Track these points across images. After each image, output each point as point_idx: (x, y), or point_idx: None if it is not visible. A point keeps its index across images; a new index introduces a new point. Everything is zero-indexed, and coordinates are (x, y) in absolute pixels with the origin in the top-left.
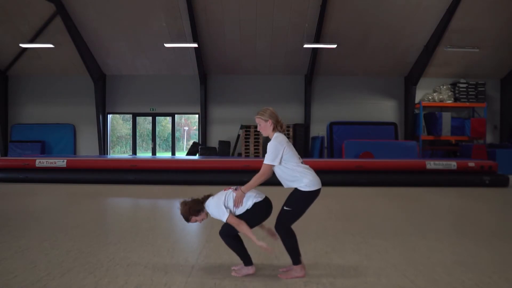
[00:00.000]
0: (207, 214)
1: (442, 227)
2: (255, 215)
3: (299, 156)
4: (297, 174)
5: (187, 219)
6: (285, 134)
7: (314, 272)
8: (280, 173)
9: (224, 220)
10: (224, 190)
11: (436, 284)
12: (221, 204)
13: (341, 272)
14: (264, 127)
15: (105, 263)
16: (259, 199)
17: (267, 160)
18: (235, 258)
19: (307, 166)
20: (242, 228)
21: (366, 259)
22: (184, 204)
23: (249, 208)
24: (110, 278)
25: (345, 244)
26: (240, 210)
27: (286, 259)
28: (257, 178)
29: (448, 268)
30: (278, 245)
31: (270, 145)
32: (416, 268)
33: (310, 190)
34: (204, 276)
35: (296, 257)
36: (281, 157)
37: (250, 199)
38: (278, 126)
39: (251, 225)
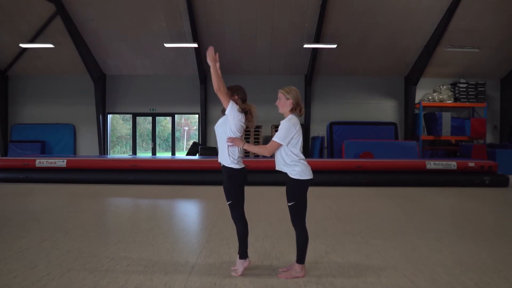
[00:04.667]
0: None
1: (442, 227)
2: (231, 183)
3: (301, 144)
4: (292, 161)
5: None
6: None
7: (314, 272)
8: (278, 154)
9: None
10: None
11: (436, 284)
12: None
13: (341, 272)
14: (283, 104)
15: (105, 263)
16: (237, 166)
17: (277, 138)
18: (235, 258)
19: (303, 157)
20: (216, 77)
21: (366, 259)
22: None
23: (225, 165)
24: (110, 278)
25: (345, 244)
26: (222, 150)
27: (286, 259)
28: (260, 148)
29: (448, 268)
30: (278, 245)
31: (283, 125)
32: (416, 268)
33: (301, 179)
34: (204, 276)
35: (303, 256)
36: (290, 139)
37: (234, 157)
38: (297, 109)
39: (234, 192)
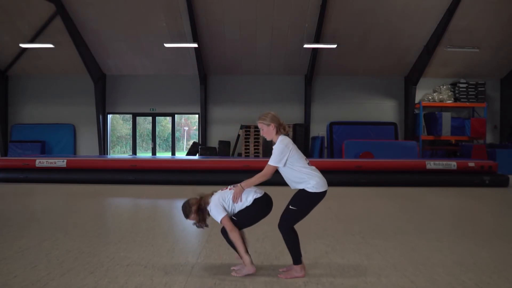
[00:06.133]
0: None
1: (442, 227)
2: (256, 211)
3: (305, 157)
4: (304, 176)
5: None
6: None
7: (314, 272)
8: (287, 175)
9: (218, 220)
10: (222, 189)
11: (436, 284)
12: (219, 204)
13: (341, 272)
14: (267, 131)
15: (105, 263)
16: (259, 194)
17: (272, 162)
18: (235, 258)
19: (314, 168)
20: (233, 236)
21: (366, 259)
22: (196, 215)
23: (249, 204)
24: (110, 278)
25: (345, 244)
26: (240, 206)
27: (286, 259)
28: (258, 177)
29: (448, 268)
30: (278, 246)
31: (276, 148)
32: (416, 268)
33: (317, 192)
34: (204, 276)
35: (297, 257)
36: (286, 159)
37: (250, 195)
38: (281, 129)
39: (253, 221)
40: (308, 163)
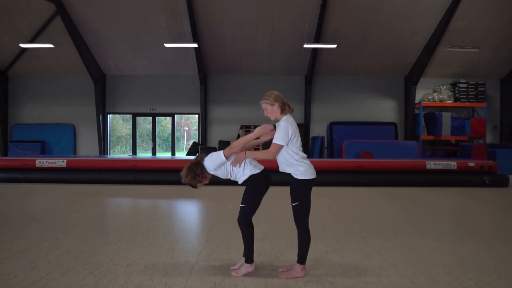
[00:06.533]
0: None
1: (442, 227)
2: (253, 191)
3: (301, 143)
4: (294, 161)
5: (195, 186)
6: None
7: (314, 272)
8: (280, 155)
9: (222, 157)
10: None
11: (436, 284)
12: (214, 155)
13: (341, 272)
14: (272, 111)
15: (105, 263)
16: (257, 170)
17: (278, 140)
18: (235, 258)
19: (305, 156)
20: (239, 143)
21: (366, 259)
22: (187, 172)
23: (244, 176)
24: (110, 278)
25: (345, 244)
26: (236, 172)
27: (286, 259)
28: (264, 152)
29: (448, 268)
30: (278, 246)
31: (280, 126)
32: (416, 268)
33: (305, 179)
34: (204, 276)
35: (304, 256)
36: (290, 138)
37: (248, 168)
38: (286, 108)
39: (253, 198)
40: (302, 150)
